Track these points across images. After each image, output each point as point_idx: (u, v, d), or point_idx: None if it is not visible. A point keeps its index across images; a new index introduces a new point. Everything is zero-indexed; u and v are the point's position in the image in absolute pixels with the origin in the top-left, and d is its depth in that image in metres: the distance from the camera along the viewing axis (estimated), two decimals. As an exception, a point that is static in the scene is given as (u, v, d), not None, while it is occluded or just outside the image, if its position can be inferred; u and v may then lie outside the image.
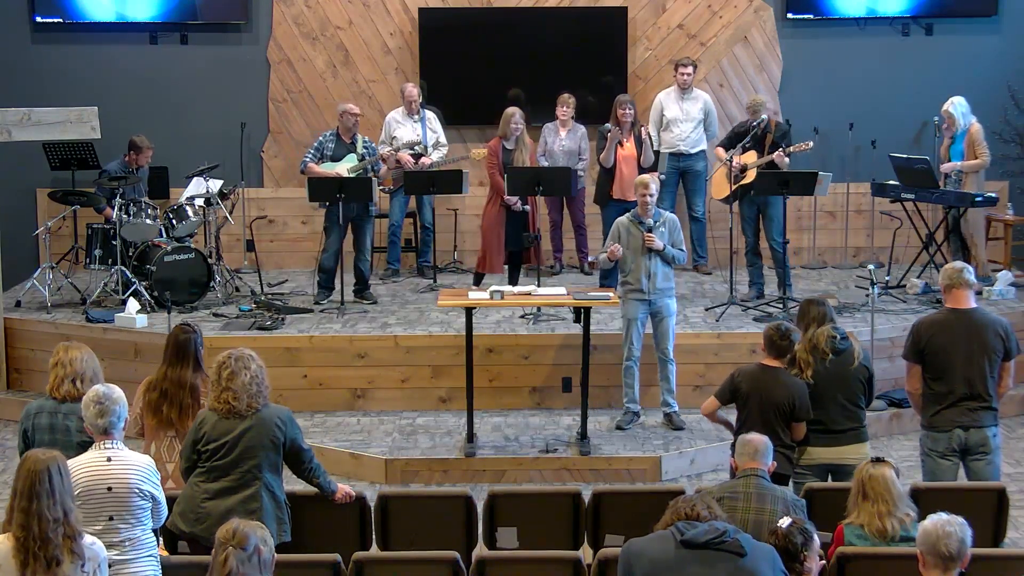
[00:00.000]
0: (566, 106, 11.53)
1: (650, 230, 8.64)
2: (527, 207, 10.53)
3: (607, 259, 8.73)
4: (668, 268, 8.74)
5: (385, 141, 11.54)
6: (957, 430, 6.74)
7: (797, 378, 6.64)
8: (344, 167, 10.69)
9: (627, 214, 8.81)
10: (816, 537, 4.84)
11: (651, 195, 8.64)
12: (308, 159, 10.80)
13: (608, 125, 10.34)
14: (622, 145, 10.32)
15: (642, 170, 10.34)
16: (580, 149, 11.54)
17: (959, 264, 7.04)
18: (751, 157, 10.50)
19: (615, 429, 9.03)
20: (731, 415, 6.90)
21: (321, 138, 10.91)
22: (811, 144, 10.47)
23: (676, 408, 9.06)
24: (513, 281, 10.41)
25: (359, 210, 10.59)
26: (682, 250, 8.76)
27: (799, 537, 4.75)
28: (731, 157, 10.46)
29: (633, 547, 4.69)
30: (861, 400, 6.74)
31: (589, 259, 11.88)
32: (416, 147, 11.38)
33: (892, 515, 5.28)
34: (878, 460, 5.47)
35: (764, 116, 10.52)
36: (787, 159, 10.33)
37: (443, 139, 11.65)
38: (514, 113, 10.59)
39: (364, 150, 10.81)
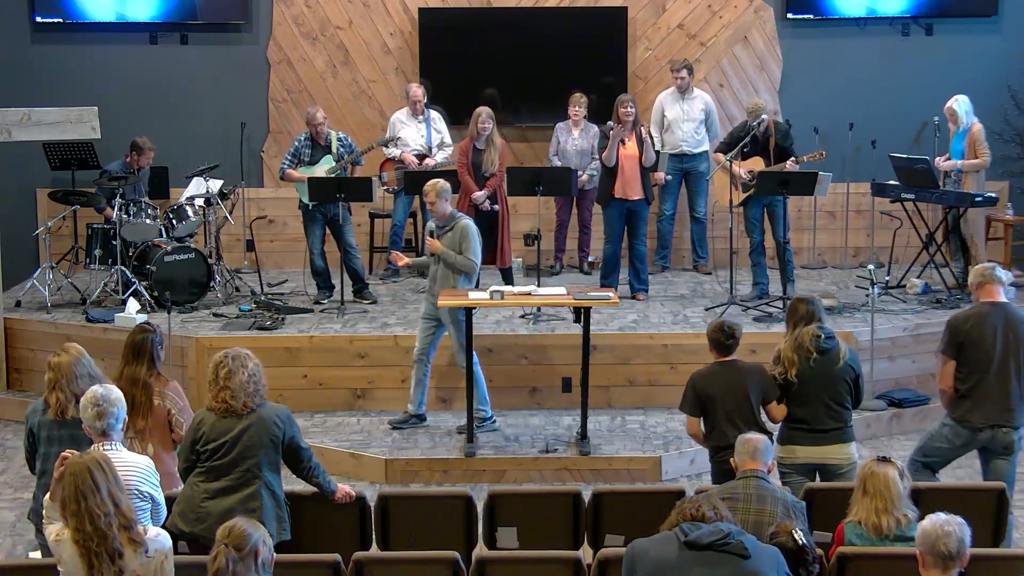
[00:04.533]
0: (578, 105, 11.51)
1: (431, 233, 8.74)
2: (496, 206, 10.49)
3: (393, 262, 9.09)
4: (456, 274, 8.68)
5: (385, 139, 11.51)
6: (987, 429, 6.79)
7: (753, 363, 6.78)
8: (321, 170, 10.65)
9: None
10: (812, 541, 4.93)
11: (430, 202, 8.70)
12: (285, 165, 10.77)
13: (611, 123, 10.33)
14: (624, 144, 10.30)
15: (643, 169, 10.34)
16: (593, 148, 11.51)
17: (990, 263, 7.20)
18: (757, 163, 10.47)
19: (390, 428, 9.05)
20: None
21: (296, 143, 10.85)
22: (823, 153, 10.49)
23: (419, 411, 9.06)
24: (507, 281, 10.41)
25: (335, 209, 10.52)
26: (470, 259, 8.62)
27: (812, 554, 4.84)
28: (730, 159, 10.47)
29: (637, 547, 4.69)
30: (847, 401, 6.73)
31: (589, 259, 11.89)
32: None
33: (889, 512, 5.28)
34: (883, 459, 5.46)
35: (764, 117, 10.51)
36: (798, 168, 10.32)
37: (448, 139, 11.62)
38: (481, 112, 10.50)
39: (341, 148, 10.78)
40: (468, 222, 8.77)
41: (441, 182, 8.81)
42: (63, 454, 5.05)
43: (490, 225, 10.42)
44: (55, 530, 4.80)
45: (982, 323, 6.82)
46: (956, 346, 6.87)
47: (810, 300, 6.84)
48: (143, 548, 4.71)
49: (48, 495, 5.13)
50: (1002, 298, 6.90)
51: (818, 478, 6.67)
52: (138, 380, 6.40)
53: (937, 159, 10.82)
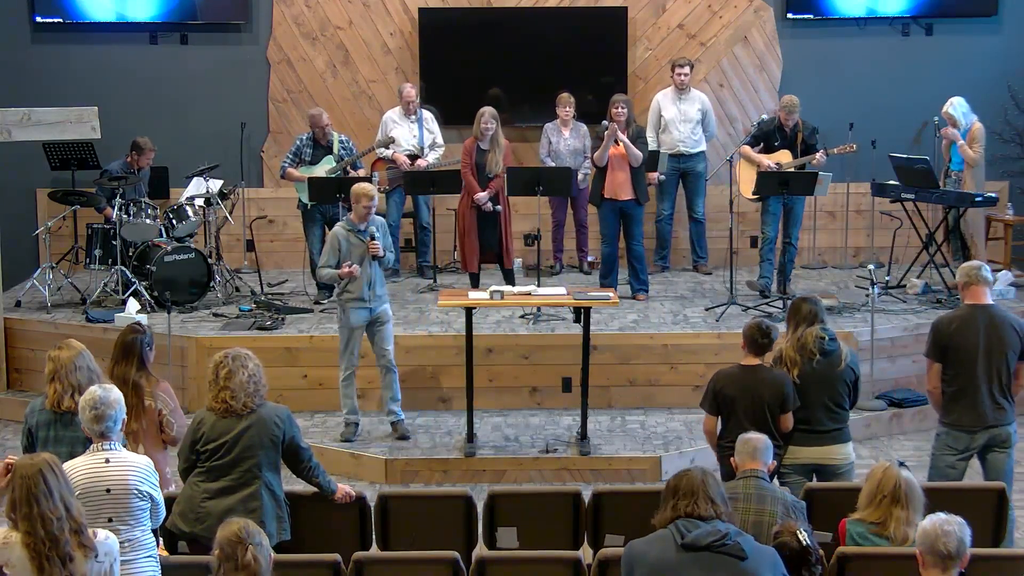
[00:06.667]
0: (568, 106, 11.51)
1: (372, 237, 8.53)
2: (499, 207, 10.46)
3: (337, 276, 8.54)
4: (383, 273, 8.74)
5: (382, 141, 11.52)
6: (981, 431, 6.79)
7: (778, 371, 6.65)
8: (321, 170, 10.66)
9: (341, 223, 8.65)
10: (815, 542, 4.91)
11: (366, 207, 8.50)
12: (286, 164, 10.82)
13: (606, 123, 10.31)
14: (617, 144, 10.28)
15: (633, 170, 10.31)
16: (585, 147, 11.52)
17: (976, 263, 7.15)
18: (786, 156, 10.54)
19: (341, 441, 8.89)
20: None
21: (298, 142, 10.88)
22: (855, 146, 10.54)
23: (401, 416, 8.98)
24: (509, 282, 10.41)
25: (334, 208, 10.49)
26: (392, 251, 8.78)
27: (816, 555, 4.83)
28: (732, 156, 10.50)
29: (634, 549, 4.68)
30: (845, 402, 6.74)
31: (589, 259, 11.89)
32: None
33: (913, 525, 5.22)
34: (902, 465, 5.43)
35: (765, 116, 10.59)
36: (825, 161, 10.47)
37: (440, 140, 11.61)
38: (484, 112, 10.44)
39: (342, 151, 10.79)
40: (382, 220, 8.81)
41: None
42: (7, 457, 5.00)
43: (493, 226, 10.44)
44: (1, 533, 4.73)
45: (966, 325, 6.81)
46: (941, 349, 6.87)
47: (813, 300, 6.82)
48: (93, 553, 4.67)
49: None
50: (988, 299, 6.88)
51: (814, 478, 6.68)
52: (128, 380, 6.33)
53: (944, 129, 10.77)
